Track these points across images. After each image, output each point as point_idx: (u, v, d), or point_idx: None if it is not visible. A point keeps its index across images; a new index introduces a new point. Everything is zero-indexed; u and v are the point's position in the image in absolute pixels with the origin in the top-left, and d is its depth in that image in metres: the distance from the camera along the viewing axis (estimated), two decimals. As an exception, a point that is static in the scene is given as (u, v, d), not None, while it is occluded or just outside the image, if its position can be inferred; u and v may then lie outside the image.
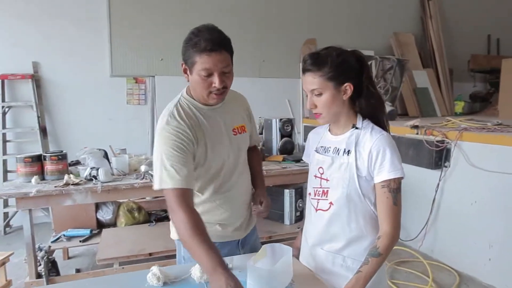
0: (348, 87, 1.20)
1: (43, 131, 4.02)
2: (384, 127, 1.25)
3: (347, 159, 1.21)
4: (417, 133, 3.22)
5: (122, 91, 4.37)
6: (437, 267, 3.09)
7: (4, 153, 3.98)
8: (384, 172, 1.16)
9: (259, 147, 1.75)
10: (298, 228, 3.12)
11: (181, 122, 1.29)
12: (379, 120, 1.26)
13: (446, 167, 3.06)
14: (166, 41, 4.40)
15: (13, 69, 3.94)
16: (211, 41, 1.22)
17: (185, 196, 1.22)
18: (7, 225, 4.03)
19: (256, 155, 1.65)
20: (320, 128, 1.40)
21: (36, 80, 4.01)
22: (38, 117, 3.96)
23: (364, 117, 1.25)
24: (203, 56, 1.22)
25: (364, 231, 1.23)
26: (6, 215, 4.03)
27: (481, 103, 5.65)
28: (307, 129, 4.89)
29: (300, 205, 3.27)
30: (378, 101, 1.25)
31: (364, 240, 1.23)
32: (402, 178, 1.17)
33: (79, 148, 3.06)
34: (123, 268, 2.48)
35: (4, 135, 3.96)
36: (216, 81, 1.26)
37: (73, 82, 4.16)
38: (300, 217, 3.26)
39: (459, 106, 5.36)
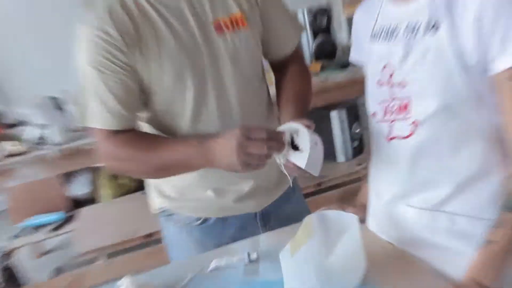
0: None
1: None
2: None
3: (435, 39, 0.89)
4: None
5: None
6: None
7: None
8: None
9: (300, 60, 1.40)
10: (359, 165, 2.87)
11: (106, 17, 1.08)
12: None
13: None
14: None
15: None
16: None
17: (117, 137, 1.15)
18: None
19: (296, 75, 1.33)
20: (370, 1, 1.12)
21: None
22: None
23: None
24: None
25: (485, 165, 0.93)
26: None
27: None
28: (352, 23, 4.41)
29: (357, 130, 3.00)
30: None
31: (486, 181, 0.94)
32: None
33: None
34: (113, 261, 2.38)
35: None
36: None
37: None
38: (359, 149, 3.05)
39: None
